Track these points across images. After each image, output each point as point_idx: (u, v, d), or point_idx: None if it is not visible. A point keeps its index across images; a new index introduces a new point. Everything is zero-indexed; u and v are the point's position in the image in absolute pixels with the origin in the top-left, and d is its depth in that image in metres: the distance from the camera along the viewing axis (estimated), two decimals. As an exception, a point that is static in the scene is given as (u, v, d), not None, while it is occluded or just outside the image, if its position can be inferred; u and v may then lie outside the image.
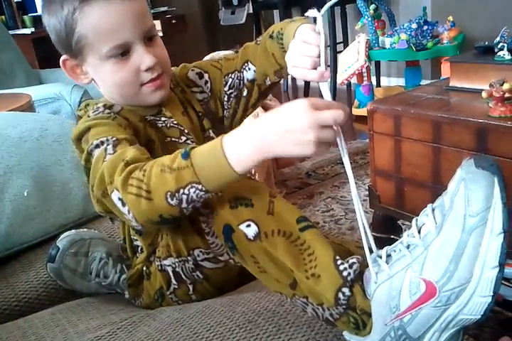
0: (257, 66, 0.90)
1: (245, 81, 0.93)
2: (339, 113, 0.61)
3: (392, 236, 1.43)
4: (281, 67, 0.85)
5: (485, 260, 0.56)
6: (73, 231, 1.03)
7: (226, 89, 0.94)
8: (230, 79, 0.93)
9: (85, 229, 1.07)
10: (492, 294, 0.56)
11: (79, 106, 2.25)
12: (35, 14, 4.69)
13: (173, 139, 0.88)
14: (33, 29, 4.46)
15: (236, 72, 0.93)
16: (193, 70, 0.96)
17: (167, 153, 0.74)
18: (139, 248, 0.90)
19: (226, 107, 0.95)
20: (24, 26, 4.58)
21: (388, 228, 1.47)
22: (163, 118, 0.89)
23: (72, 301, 0.96)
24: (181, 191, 0.66)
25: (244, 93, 0.93)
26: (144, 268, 0.88)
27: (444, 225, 0.58)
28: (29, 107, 1.87)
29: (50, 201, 1.18)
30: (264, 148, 0.63)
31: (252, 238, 0.68)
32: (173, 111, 0.90)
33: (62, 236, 1.00)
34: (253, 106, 0.95)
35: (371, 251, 0.66)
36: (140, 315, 0.81)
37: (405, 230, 1.63)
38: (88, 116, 0.83)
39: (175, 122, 0.89)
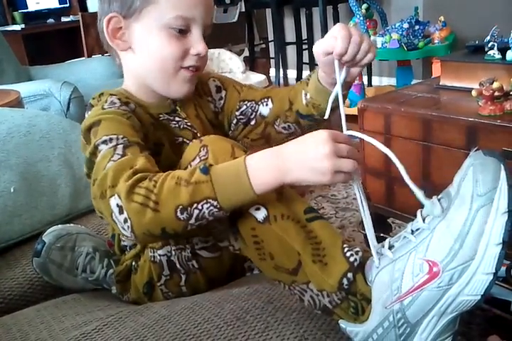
0: (274, 105, 0.93)
1: (258, 113, 0.94)
2: (355, 151, 0.65)
3: (382, 235, 1.43)
4: (291, 105, 0.90)
5: (489, 237, 0.58)
6: (59, 226, 1.02)
7: (237, 113, 0.95)
8: (244, 106, 0.95)
9: (72, 225, 1.06)
10: (494, 271, 0.58)
11: (68, 102, 2.27)
12: (25, 10, 4.66)
13: (184, 140, 0.88)
14: (23, 25, 4.44)
15: (253, 102, 0.94)
16: (214, 81, 0.97)
17: (177, 154, 0.72)
18: (127, 247, 0.90)
19: (232, 128, 0.97)
20: (14, 23, 4.54)
21: (378, 226, 1.47)
22: (177, 119, 0.89)
23: (58, 298, 0.95)
24: (194, 205, 0.65)
25: (252, 122, 0.95)
26: (133, 263, 0.88)
27: (450, 208, 0.60)
28: (17, 104, 1.86)
29: (37, 197, 1.17)
30: (283, 173, 0.65)
31: (261, 221, 0.69)
32: (187, 112, 0.91)
33: (48, 231, 0.99)
34: (254, 139, 0.96)
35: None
36: (127, 310, 0.81)
37: (395, 228, 1.64)
38: (103, 108, 0.80)
39: (189, 124, 0.90)
